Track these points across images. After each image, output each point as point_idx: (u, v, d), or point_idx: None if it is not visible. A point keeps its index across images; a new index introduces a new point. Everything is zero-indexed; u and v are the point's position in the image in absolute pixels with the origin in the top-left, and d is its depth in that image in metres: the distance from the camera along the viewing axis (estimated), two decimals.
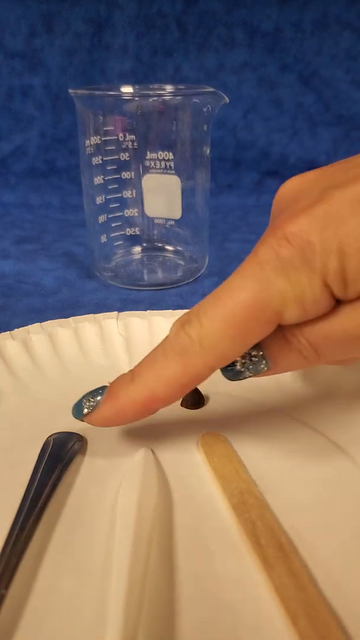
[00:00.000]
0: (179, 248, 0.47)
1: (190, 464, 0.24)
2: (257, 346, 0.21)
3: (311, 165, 0.71)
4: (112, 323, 0.33)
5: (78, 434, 0.26)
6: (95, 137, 0.40)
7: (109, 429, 0.26)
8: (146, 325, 0.33)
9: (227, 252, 0.53)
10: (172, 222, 0.43)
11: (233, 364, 0.22)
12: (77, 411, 0.23)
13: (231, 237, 0.57)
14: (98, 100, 0.40)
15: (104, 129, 0.40)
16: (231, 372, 0.22)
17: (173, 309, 0.35)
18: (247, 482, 0.22)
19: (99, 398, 0.22)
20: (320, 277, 0.18)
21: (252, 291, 0.19)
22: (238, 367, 0.22)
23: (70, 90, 0.39)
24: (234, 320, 0.19)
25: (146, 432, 0.26)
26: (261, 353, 0.21)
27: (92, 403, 0.22)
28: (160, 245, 0.46)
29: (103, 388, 0.23)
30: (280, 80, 0.67)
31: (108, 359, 0.32)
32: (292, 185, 0.22)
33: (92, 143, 0.40)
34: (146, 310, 0.34)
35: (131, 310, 0.36)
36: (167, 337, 0.21)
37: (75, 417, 0.23)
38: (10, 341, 0.31)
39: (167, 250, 0.47)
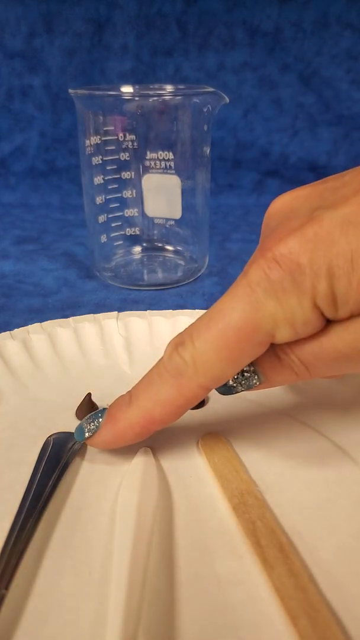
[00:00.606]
0: (179, 248, 0.47)
1: (190, 464, 0.24)
2: (250, 362, 0.21)
3: (311, 165, 0.71)
4: (112, 323, 0.33)
5: None
6: (95, 137, 0.40)
7: None
8: (146, 325, 0.33)
9: (227, 252, 0.53)
10: (172, 222, 0.43)
11: None
12: (79, 434, 0.23)
13: (231, 237, 0.57)
14: (98, 100, 0.40)
15: (104, 129, 0.40)
16: (224, 387, 0.22)
17: (173, 309, 0.35)
18: (248, 483, 0.22)
19: (99, 421, 0.23)
20: (310, 299, 0.18)
21: (243, 313, 0.19)
22: (231, 382, 0.22)
23: (70, 90, 0.39)
24: (226, 342, 0.19)
25: None
26: (253, 369, 0.21)
27: (92, 427, 0.23)
28: (160, 245, 0.46)
29: (102, 411, 0.23)
30: (280, 80, 0.67)
31: (108, 359, 0.32)
32: (282, 203, 0.22)
33: (92, 143, 0.40)
34: (146, 310, 0.34)
35: (131, 310, 0.36)
36: (161, 358, 0.22)
37: (77, 440, 0.24)
38: (10, 341, 0.31)
39: (167, 250, 0.47)
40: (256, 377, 0.21)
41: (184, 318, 0.33)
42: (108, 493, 0.22)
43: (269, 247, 0.19)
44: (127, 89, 0.42)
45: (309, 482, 0.23)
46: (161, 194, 0.42)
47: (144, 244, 0.46)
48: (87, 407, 0.27)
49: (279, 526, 0.20)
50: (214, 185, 0.62)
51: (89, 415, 0.23)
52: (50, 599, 0.18)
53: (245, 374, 0.22)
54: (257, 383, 0.22)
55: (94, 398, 0.27)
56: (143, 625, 0.17)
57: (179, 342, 0.21)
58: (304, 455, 0.24)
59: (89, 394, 0.27)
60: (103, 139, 0.40)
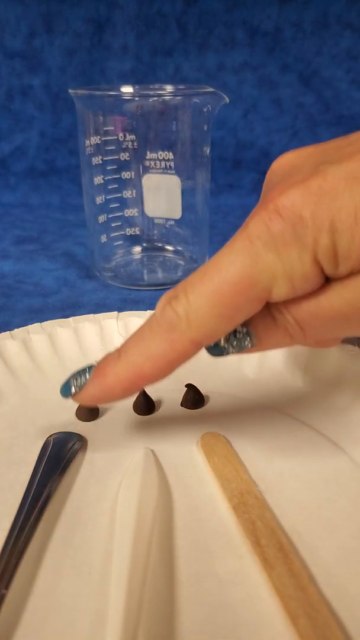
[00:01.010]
0: (179, 248, 0.47)
1: (190, 464, 0.24)
2: (242, 322, 0.20)
3: None
4: (112, 323, 0.33)
5: (78, 434, 0.26)
6: (95, 137, 0.40)
7: (109, 429, 0.26)
8: None
9: None
10: (172, 222, 0.43)
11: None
12: (65, 390, 0.22)
13: (231, 237, 0.57)
14: (98, 100, 0.40)
15: (104, 129, 0.40)
16: (215, 348, 0.21)
17: None
18: (247, 482, 0.22)
19: (86, 377, 0.22)
20: (311, 253, 0.18)
21: (241, 266, 0.18)
22: (222, 343, 0.21)
23: (70, 90, 0.39)
24: (221, 296, 0.19)
25: (146, 432, 0.26)
26: (246, 330, 0.21)
27: (79, 382, 0.22)
28: (160, 245, 0.46)
29: (90, 367, 0.22)
30: (280, 80, 0.67)
31: None
32: (286, 160, 0.21)
33: (92, 143, 0.40)
34: (146, 310, 0.34)
35: (131, 310, 0.36)
36: (154, 313, 0.21)
37: (63, 396, 0.23)
38: (10, 341, 0.31)
39: (167, 250, 0.47)
40: (249, 338, 0.21)
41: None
42: (108, 493, 0.22)
43: (271, 199, 0.18)
44: (127, 89, 0.42)
45: (308, 482, 0.23)
46: (161, 194, 0.42)
47: (144, 244, 0.46)
48: (87, 407, 0.27)
49: (279, 526, 0.20)
50: (214, 185, 0.62)
51: (76, 371, 0.23)
52: (50, 599, 0.18)
53: (238, 334, 0.21)
54: (250, 345, 0.21)
55: None
56: (143, 625, 0.17)
57: (172, 296, 0.20)
58: (304, 455, 0.24)
59: None
60: (103, 139, 0.40)
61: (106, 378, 0.21)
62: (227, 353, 0.22)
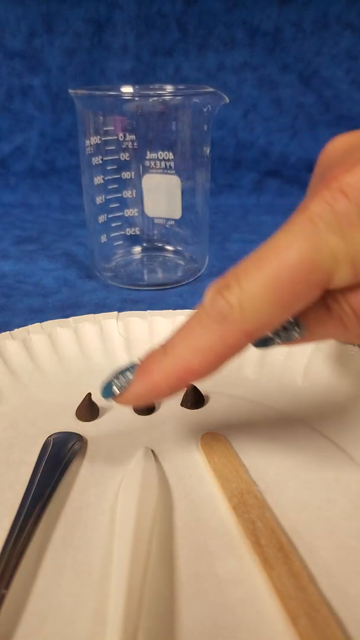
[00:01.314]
0: (179, 248, 0.47)
1: (190, 464, 0.24)
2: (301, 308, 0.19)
3: (311, 166, 0.71)
4: (112, 323, 0.33)
5: (78, 434, 0.26)
6: (95, 137, 0.40)
7: (109, 429, 0.26)
8: (146, 325, 0.33)
9: (227, 252, 0.53)
10: (172, 222, 0.43)
11: None
12: (106, 391, 0.21)
13: (231, 237, 0.57)
14: (98, 100, 0.40)
15: (104, 129, 0.40)
16: (261, 340, 0.20)
17: (173, 309, 0.35)
18: (247, 482, 0.22)
19: (129, 376, 0.21)
20: None
21: (301, 250, 0.17)
22: (269, 334, 0.20)
23: (70, 90, 0.39)
24: (280, 283, 0.17)
25: (146, 432, 0.26)
26: (294, 320, 0.20)
27: (122, 382, 0.21)
28: (160, 245, 0.46)
29: (132, 366, 0.21)
30: (280, 80, 0.67)
31: (108, 359, 0.32)
32: (342, 141, 0.20)
33: (92, 143, 0.40)
34: (146, 310, 0.34)
35: (131, 310, 0.36)
36: (201, 304, 0.19)
37: (104, 398, 0.21)
38: (10, 341, 0.31)
39: (167, 250, 0.47)
40: (297, 329, 0.20)
41: (184, 318, 0.33)
42: (108, 493, 0.22)
43: (334, 177, 0.17)
44: (127, 89, 0.42)
45: (308, 482, 0.23)
46: (161, 194, 0.42)
47: (144, 244, 0.46)
48: (87, 408, 0.27)
49: (279, 526, 0.20)
50: (213, 186, 0.61)
51: (116, 370, 0.21)
52: (50, 599, 0.18)
53: (286, 325, 0.20)
54: (297, 336, 0.20)
55: (94, 398, 0.27)
56: (143, 624, 0.17)
57: (223, 285, 0.18)
58: (304, 455, 0.24)
59: (89, 394, 0.27)
60: (103, 139, 0.40)
61: (152, 375, 0.20)
62: (274, 344, 0.20)
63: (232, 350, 0.19)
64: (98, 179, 0.41)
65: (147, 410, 0.27)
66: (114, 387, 0.21)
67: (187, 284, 0.44)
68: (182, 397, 0.28)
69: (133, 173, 0.41)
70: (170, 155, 0.40)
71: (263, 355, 0.31)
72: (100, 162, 0.41)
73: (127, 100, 0.40)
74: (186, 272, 0.45)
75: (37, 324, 0.32)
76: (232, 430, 0.26)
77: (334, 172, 0.17)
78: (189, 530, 0.21)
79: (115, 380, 0.21)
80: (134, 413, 0.27)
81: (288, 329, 0.20)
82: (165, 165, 0.40)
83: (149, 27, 0.63)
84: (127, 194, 0.42)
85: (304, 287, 0.17)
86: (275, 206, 0.69)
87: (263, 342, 0.20)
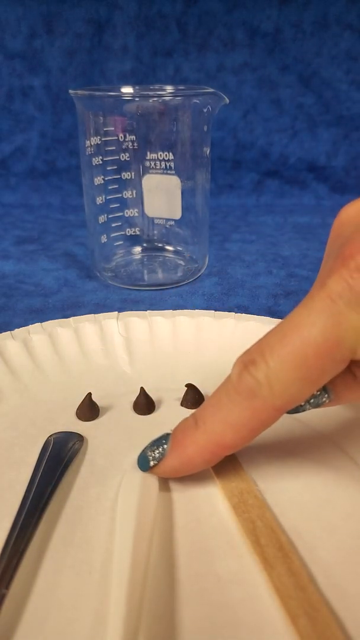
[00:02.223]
0: (179, 248, 0.47)
1: None
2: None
3: (311, 166, 0.71)
4: (112, 323, 0.33)
5: (78, 434, 0.26)
6: (95, 138, 0.40)
7: (109, 429, 0.26)
8: (146, 325, 0.33)
9: (227, 252, 0.53)
10: (172, 222, 0.44)
11: None
12: (143, 464, 0.22)
13: (231, 237, 0.57)
14: (98, 101, 0.40)
15: (104, 129, 0.40)
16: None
17: (173, 309, 0.35)
18: (247, 482, 0.22)
19: (164, 448, 0.21)
20: None
21: (324, 328, 0.17)
22: None
23: (70, 91, 0.39)
24: (305, 360, 0.18)
25: (146, 432, 0.26)
26: (323, 387, 0.20)
27: (157, 454, 0.21)
28: (160, 245, 0.46)
29: (166, 437, 0.21)
30: (280, 80, 0.67)
31: (108, 359, 0.32)
32: (357, 210, 0.20)
33: (92, 143, 0.40)
34: (146, 310, 0.35)
35: (131, 310, 0.36)
36: (229, 378, 0.20)
37: (141, 470, 0.22)
38: (10, 341, 0.31)
39: (167, 250, 0.47)
40: (326, 395, 0.20)
41: (184, 318, 0.33)
42: (108, 493, 0.22)
43: (350, 254, 0.18)
44: (127, 90, 0.42)
45: (308, 482, 0.23)
46: (161, 195, 0.42)
47: (144, 244, 0.46)
48: (87, 407, 0.27)
49: (279, 525, 0.20)
50: (213, 186, 0.62)
51: (152, 442, 0.22)
52: (50, 598, 0.18)
53: (316, 392, 0.20)
54: (327, 401, 0.21)
55: (94, 398, 0.27)
56: (143, 624, 0.17)
57: (248, 361, 0.19)
58: (304, 455, 0.24)
59: (89, 394, 0.27)
60: (103, 139, 0.40)
61: (186, 449, 0.21)
62: (303, 410, 0.21)
63: (264, 424, 0.20)
64: (98, 180, 0.41)
65: (147, 410, 0.27)
66: (150, 460, 0.21)
67: (187, 284, 0.44)
68: (182, 397, 0.28)
69: (133, 173, 0.41)
70: (170, 156, 0.40)
71: None
72: (101, 162, 0.41)
73: (127, 100, 0.40)
74: (186, 272, 0.45)
75: (37, 324, 0.33)
76: None
77: (351, 249, 0.18)
78: (189, 529, 0.21)
79: (151, 453, 0.22)
80: (134, 413, 0.27)
81: (317, 396, 0.21)
82: (165, 165, 0.40)
83: (149, 27, 0.63)
84: (127, 194, 0.42)
85: (330, 363, 0.18)
86: (275, 206, 0.69)
87: (294, 410, 0.21)
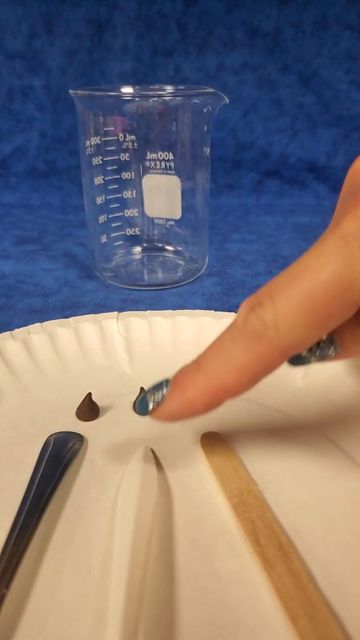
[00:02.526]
0: (179, 248, 0.47)
1: (190, 463, 0.24)
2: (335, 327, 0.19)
3: (311, 166, 0.71)
4: (112, 323, 0.33)
5: (78, 434, 0.26)
6: (95, 138, 0.40)
7: (109, 429, 0.26)
8: (146, 325, 0.33)
9: (227, 252, 0.53)
10: (172, 222, 0.44)
11: None
12: (141, 407, 0.21)
13: (231, 237, 0.57)
14: (98, 101, 0.40)
15: (104, 129, 0.40)
16: (296, 358, 0.20)
17: (173, 309, 0.35)
18: (247, 482, 0.22)
19: (163, 392, 0.21)
20: None
21: (335, 269, 0.17)
22: (304, 353, 0.20)
23: (70, 91, 0.39)
24: (313, 302, 0.17)
25: (146, 432, 0.26)
26: (330, 337, 0.20)
27: (157, 397, 0.21)
28: (160, 245, 0.46)
29: (166, 381, 0.21)
30: (280, 80, 0.67)
31: (108, 359, 0.32)
32: None
33: (92, 143, 0.40)
34: (146, 310, 0.35)
35: (131, 310, 0.36)
36: (234, 321, 0.19)
37: (139, 414, 0.21)
38: (10, 341, 0.31)
39: (167, 250, 0.47)
40: (332, 347, 0.20)
41: (184, 318, 0.33)
42: (108, 493, 0.22)
43: None
44: (127, 90, 0.42)
45: (308, 482, 0.23)
46: (161, 194, 0.42)
47: (144, 244, 0.46)
48: (87, 407, 0.27)
49: (279, 525, 0.20)
50: (213, 186, 0.62)
51: (151, 386, 0.21)
52: (50, 598, 0.18)
53: (321, 343, 0.20)
54: (333, 353, 0.20)
55: (94, 398, 0.27)
56: (143, 624, 0.17)
57: (256, 303, 0.18)
58: (304, 455, 0.24)
59: (89, 394, 0.27)
60: (103, 139, 0.40)
61: (186, 392, 0.20)
62: (309, 363, 0.20)
63: (267, 368, 0.19)
64: (98, 179, 0.41)
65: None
66: (149, 402, 0.21)
67: (187, 284, 0.44)
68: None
69: (133, 173, 0.41)
70: (170, 156, 0.40)
71: None
72: (101, 162, 0.41)
73: (127, 100, 0.40)
74: (186, 272, 0.45)
75: (37, 324, 0.33)
76: (232, 430, 0.26)
77: None
78: (188, 529, 0.21)
79: (151, 396, 0.21)
80: (134, 413, 0.27)
81: (323, 347, 0.20)
82: (165, 165, 0.40)
83: (149, 27, 0.63)
84: (127, 194, 0.42)
85: (339, 306, 0.17)
86: (275, 206, 0.69)
87: (298, 360, 0.20)
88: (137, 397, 0.21)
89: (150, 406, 0.21)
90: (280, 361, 0.19)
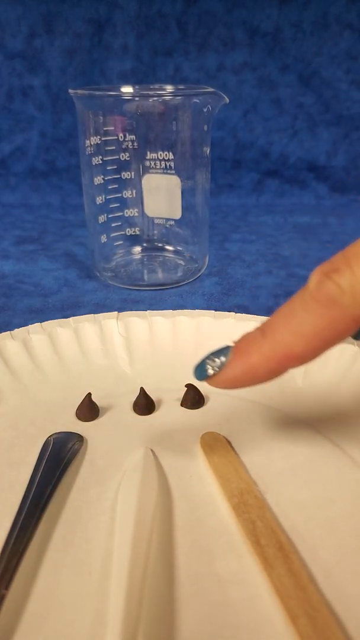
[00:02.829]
0: (179, 248, 0.47)
1: (190, 463, 0.24)
2: None
3: (311, 166, 0.71)
4: (112, 323, 0.33)
5: (78, 434, 0.26)
6: (95, 137, 0.40)
7: (109, 429, 0.26)
8: (146, 325, 0.33)
9: (227, 252, 0.53)
10: (172, 222, 0.43)
11: None
12: (200, 372, 0.20)
13: (231, 237, 0.57)
14: (98, 101, 0.40)
15: (104, 129, 0.40)
16: None
17: (173, 309, 0.35)
18: (247, 482, 0.22)
19: (224, 358, 0.20)
20: None
21: None
22: None
23: (70, 91, 0.39)
24: None
25: (146, 432, 0.26)
26: None
27: (217, 363, 0.20)
28: (160, 245, 0.46)
29: (227, 348, 0.20)
30: (280, 80, 0.67)
31: (108, 359, 0.32)
32: None
33: (92, 143, 0.40)
34: (146, 310, 0.34)
35: (131, 310, 0.36)
36: (305, 287, 0.19)
37: (198, 379, 0.21)
38: (10, 341, 0.31)
39: (167, 250, 0.47)
40: None
41: (184, 318, 0.33)
42: (108, 493, 0.22)
43: None
44: (127, 89, 0.42)
45: (308, 482, 0.23)
46: (161, 194, 0.42)
47: (144, 244, 0.46)
48: (87, 407, 0.27)
49: (279, 526, 0.20)
50: (213, 186, 0.62)
51: (211, 352, 0.20)
52: (50, 598, 0.18)
53: None
54: None
55: (94, 398, 0.27)
56: (143, 624, 0.17)
57: (331, 269, 0.18)
58: (304, 455, 0.24)
59: (89, 394, 0.27)
60: (103, 139, 0.40)
61: (250, 357, 0.19)
62: None
63: (340, 336, 0.18)
64: (98, 179, 0.41)
65: (147, 410, 0.27)
66: (209, 368, 0.20)
67: (187, 284, 0.44)
68: (182, 397, 0.28)
69: (133, 173, 0.41)
70: (170, 156, 0.40)
71: None
72: (100, 162, 0.41)
73: (127, 100, 0.40)
74: (186, 272, 0.45)
75: (37, 324, 0.33)
76: (232, 430, 0.26)
77: None
78: (189, 530, 0.21)
79: (210, 362, 0.20)
80: (134, 413, 0.27)
81: None
82: (165, 165, 0.40)
83: (149, 27, 0.63)
84: (127, 194, 0.42)
85: None
86: (275, 206, 0.69)
87: None
88: (199, 361, 0.21)
89: (211, 371, 0.20)
90: (353, 329, 0.18)
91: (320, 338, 0.18)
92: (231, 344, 0.20)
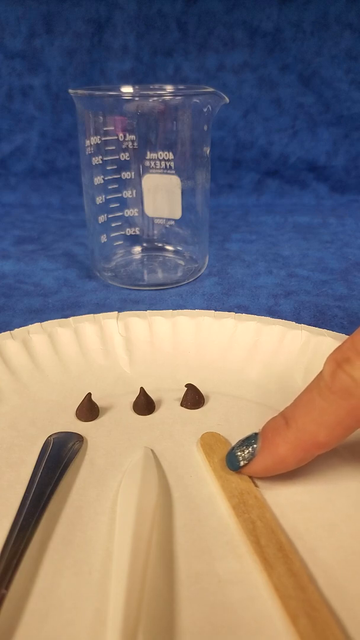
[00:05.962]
0: (179, 248, 0.47)
1: (190, 464, 0.24)
2: None
3: (311, 166, 0.71)
4: (112, 323, 0.33)
5: (78, 434, 0.26)
6: (95, 137, 0.40)
7: (109, 429, 0.26)
8: (146, 325, 0.33)
9: (227, 252, 0.53)
10: (172, 222, 0.43)
11: None
12: (232, 463, 0.22)
13: (231, 237, 0.57)
14: (98, 101, 0.40)
15: (104, 129, 0.40)
16: None
17: (173, 309, 0.35)
18: (247, 482, 0.22)
19: (254, 447, 0.21)
20: None
21: None
22: None
23: (70, 91, 0.39)
24: None
25: (146, 432, 0.26)
26: None
27: (247, 454, 0.22)
28: (160, 245, 0.46)
29: (255, 436, 0.22)
30: (280, 80, 0.67)
31: (108, 359, 0.32)
32: None
33: (92, 143, 0.40)
34: (146, 310, 0.34)
35: (131, 310, 0.36)
36: (321, 376, 0.20)
37: (231, 469, 0.22)
38: (10, 341, 0.31)
39: (167, 250, 0.47)
40: None
41: (184, 318, 0.33)
42: (108, 493, 0.22)
43: None
44: (127, 89, 0.42)
45: (308, 482, 0.23)
46: (161, 194, 0.42)
47: (144, 244, 0.46)
48: (87, 408, 0.27)
49: (279, 526, 0.20)
50: (213, 186, 0.62)
51: (240, 442, 0.22)
52: (50, 598, 0.18)
53: None
54: None
55: (94, 398, 0.27)
56: (143, 624, 0.17)
57: (342, 359, 0.19)
58: None
59: (89, 394, 0.27)
60: (103, 139, 0.40)
61: (278, 448, 0.21)
62: None
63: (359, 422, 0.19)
64: (98, 179, 0.41)
65: (147, 410, 0.27)
66: (241, 460, 0.22)
67: (187, 284, 0.44)
68: (182, 397, 0.28)
69: (133, 173, 0.41)
70: (170, 155, 0.40)
71: (263, 356, 0.31)
72: (100, 162, 0.41)
73: (127, 100, 0.40)
74: (186, 272, 0.45)
75: (37, 324, 0.33)
76: (232, 430, 0.26)
77: None
78: (189, 530, 0.21)
79: (240, 453, 0.22)
80: (134, 413, 0.27)
81: None
82: (165, 165, 0.40)
83: (149, 27, 0.63)
84: (127, 194, 0.42)
85: None
86: (275, 206, 0.69)
87: None
88: (228, 451, 0.22)
89: (242, 463, 0.22)
90: None
91: (341, 426, 0.19)
92: (257, 431, 0.21)
